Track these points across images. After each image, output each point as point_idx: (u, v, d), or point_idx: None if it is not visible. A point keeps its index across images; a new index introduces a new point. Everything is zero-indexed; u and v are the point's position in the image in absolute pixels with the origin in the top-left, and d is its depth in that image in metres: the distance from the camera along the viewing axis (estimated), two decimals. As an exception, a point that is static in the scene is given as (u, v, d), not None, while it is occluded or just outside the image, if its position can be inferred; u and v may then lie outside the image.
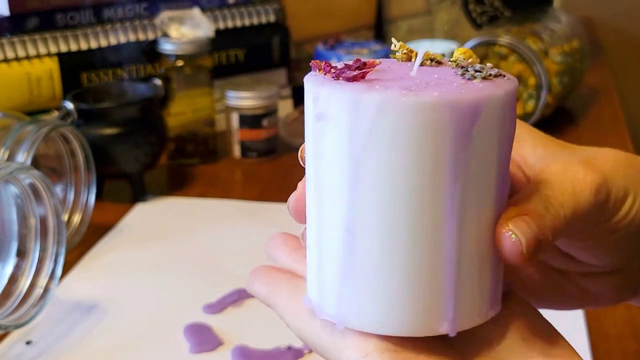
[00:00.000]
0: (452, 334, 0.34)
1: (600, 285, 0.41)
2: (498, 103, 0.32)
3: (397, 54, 0.36)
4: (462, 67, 0.34)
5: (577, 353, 0.36)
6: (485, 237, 0.34)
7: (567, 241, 0.39)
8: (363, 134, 0.32)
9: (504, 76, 0.34)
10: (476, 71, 0.34)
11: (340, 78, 0.33)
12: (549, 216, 0.35)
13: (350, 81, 0.33)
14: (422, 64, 0.35)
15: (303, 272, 0.38)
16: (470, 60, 0.35)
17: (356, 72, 0.33)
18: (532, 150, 0.38)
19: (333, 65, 0.34)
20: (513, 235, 0.34)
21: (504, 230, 0.34)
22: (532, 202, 0.35)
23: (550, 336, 0.36)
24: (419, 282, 0.33)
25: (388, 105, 0.31)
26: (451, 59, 0.36)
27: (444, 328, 0.34)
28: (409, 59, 0.36)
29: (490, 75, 0.34)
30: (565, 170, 0.36)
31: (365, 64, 0.34)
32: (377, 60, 0.35)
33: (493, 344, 0.35)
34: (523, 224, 0.34)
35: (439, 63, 0.36)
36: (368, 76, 0.34)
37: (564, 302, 0.42)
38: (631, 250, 0.39)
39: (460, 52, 0.36)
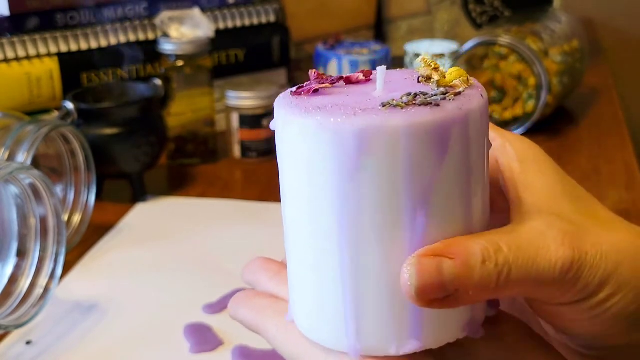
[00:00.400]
0: (354, 356, 0.33)
1: None
2: (392, 134, 0.30)
3: (418, 67, 0.35)
4: (427, 90, 0.33)
5: None
6: (398, 270, 0.32)
7: (534, 308, 0.36)
8: (279, 145, 0.34)
9: (438, 105, 0.31)
10: (416, 96, 0.32)
11: (291, 92, 0.35)
12: (481, 271, 0.31)
13: (294, 95, 0.34)
14: (419, 81, 0.35)
15: (286, 295, 0.38)
16: (456, 81, 0.33)
17: (305, 87, 0.34)
18: (535, 198, 0.34)
19: (318, 76, 0.35)
20: (407, 275, 0.31)
21: (404, 267, 0.31)
22: (471, 248, 0.31)
23: (547, 355, 0.35)
24: (320, 299, 0.34)
25: (286, 124, 0.33)
26: (432, 78, 0.34)
27: (347, 347, 0.34)
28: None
29: (414, 103, 0.31)
30: (542, 233, 0.32)
31: (341, 77, 0.35)
32: (361, 76, 0.35)
33: None
34: (430, 267, 0.30)
35: (428, 81, 0.34)
36: (329, 91, 0.34)
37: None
38: (613, 340, 0.35)
39: (449, 71, 0.34)
